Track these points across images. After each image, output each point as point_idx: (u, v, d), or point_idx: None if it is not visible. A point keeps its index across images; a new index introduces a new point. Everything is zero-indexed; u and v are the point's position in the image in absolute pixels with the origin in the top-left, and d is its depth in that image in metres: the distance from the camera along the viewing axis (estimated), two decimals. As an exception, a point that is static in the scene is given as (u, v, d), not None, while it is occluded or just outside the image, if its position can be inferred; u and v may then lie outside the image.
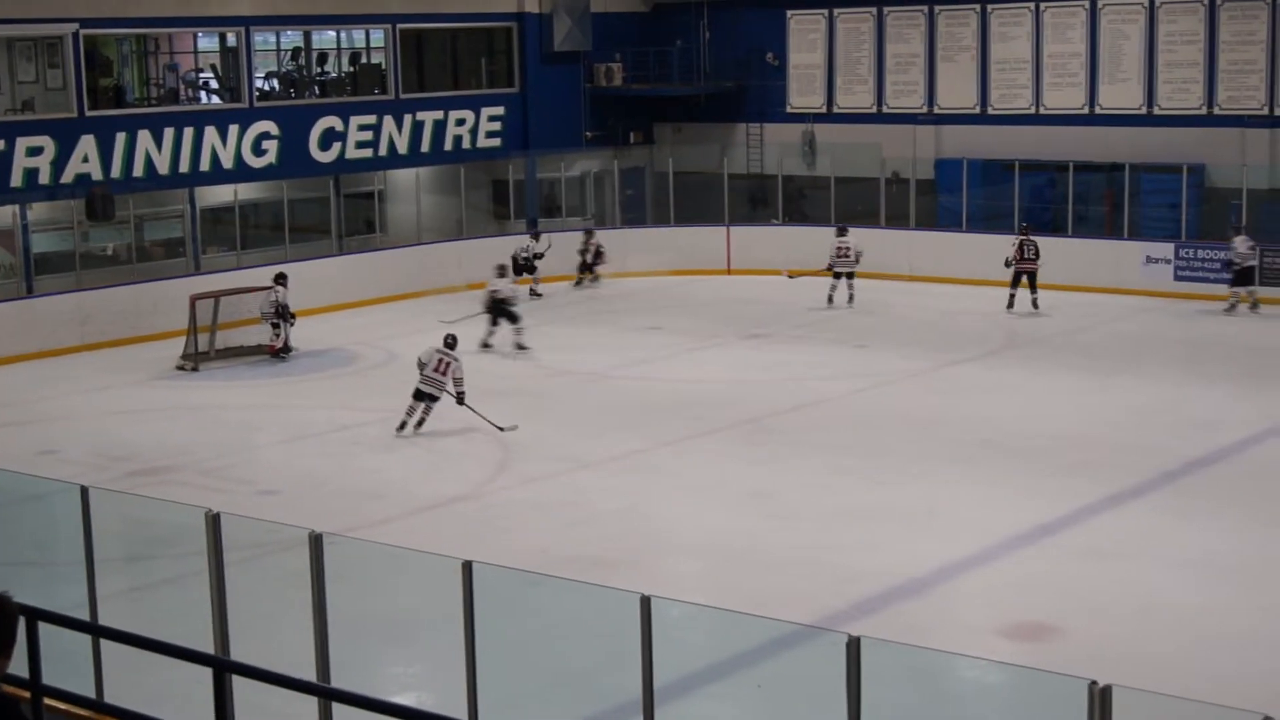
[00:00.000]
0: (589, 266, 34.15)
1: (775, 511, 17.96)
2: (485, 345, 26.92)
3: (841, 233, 31.39)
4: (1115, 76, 34.05)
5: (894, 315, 29.97)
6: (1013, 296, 30.05)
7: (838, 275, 31.05)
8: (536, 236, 33.61)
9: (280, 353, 26.79)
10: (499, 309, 27.11)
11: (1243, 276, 29.34)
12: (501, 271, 27.80)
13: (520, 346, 26.85)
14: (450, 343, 22.07)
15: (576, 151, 38.09)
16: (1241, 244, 29.36)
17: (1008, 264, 29.82)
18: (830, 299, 30.97)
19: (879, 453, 20.31)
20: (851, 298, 30.88)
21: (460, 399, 21.71)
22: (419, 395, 21.70)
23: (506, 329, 27.01)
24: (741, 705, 12.46)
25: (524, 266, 32.58)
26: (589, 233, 34.71)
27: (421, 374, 21.77)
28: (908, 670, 10.52)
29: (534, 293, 32.36)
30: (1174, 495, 18.34)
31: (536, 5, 37.06)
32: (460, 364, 21.86)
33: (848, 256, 31.02)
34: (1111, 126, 33.88)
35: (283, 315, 26.76)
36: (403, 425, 21.73)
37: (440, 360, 21.76)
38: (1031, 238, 30.35)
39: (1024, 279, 30.10)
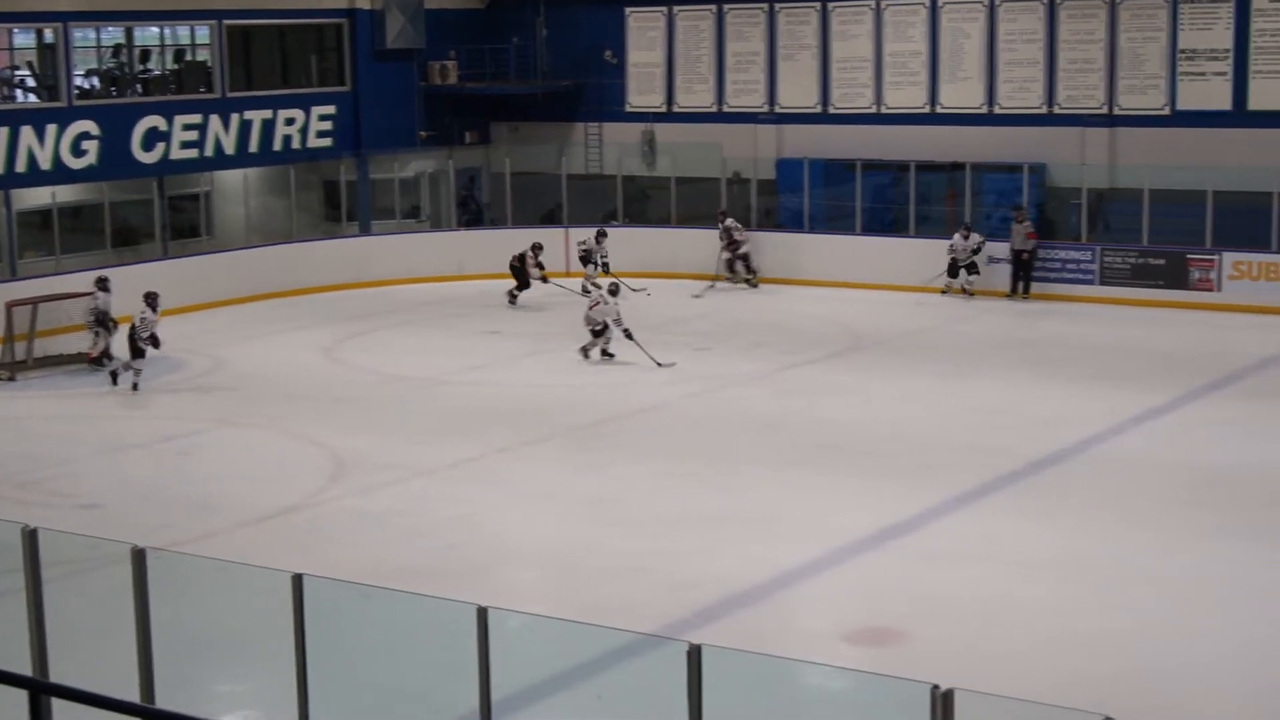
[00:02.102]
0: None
1: (615, 518, 17.99)
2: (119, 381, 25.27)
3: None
4: (956, 75, 34.55)
5: (735, 317, 30.13)
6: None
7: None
8: (603, 235, 33.46)
9: (99, 360, 26.31)
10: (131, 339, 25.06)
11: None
12: (150, 301, 25.37)
13: (123, 381, 24.95)
14: (613, 290, 26.68)
15: (410, 151, 37.88)
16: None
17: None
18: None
19: (720, 457, 20.41)
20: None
21: (626, 334, 25.67)
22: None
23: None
24: (582, 716, 12.47)
25: (586, 259, 33.29)
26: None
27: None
28: (750, 678, 10.59)
29: (584, 289, 32.63)
30: (1017, 495, 18.64)
31: (368, 2, 36.79)
32: (612, 305, 25.91)
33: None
34: (953, 126, 34.35)
35: (103, 322, 26.28)
36: (583, 351, 26.12)
37: (594, 301, 26.45)
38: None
39: (739, 265, 33.31)
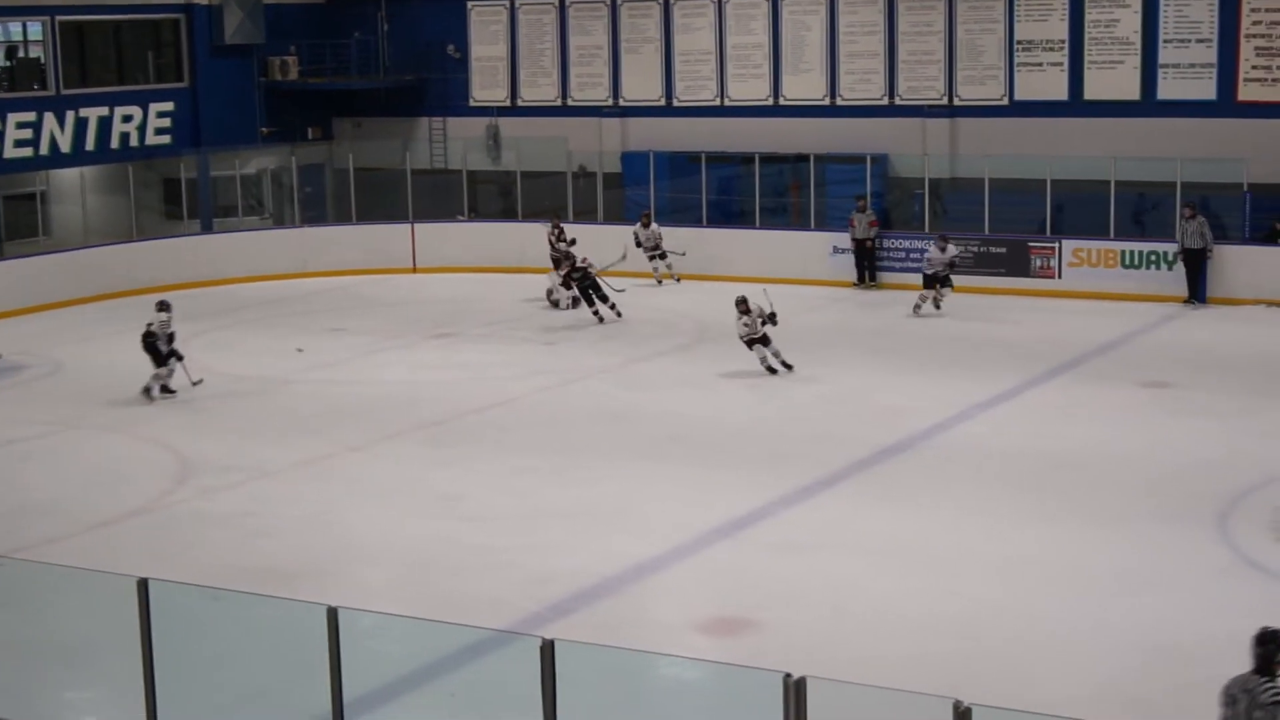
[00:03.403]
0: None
1: (466, 514, 17.95)
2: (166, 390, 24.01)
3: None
4: (798, 68, 34.87)
5: (583, 312, 30.12)
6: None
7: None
8: (647, 224, 32.68)
9: None
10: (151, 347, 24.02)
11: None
12: (162, 307, 24.24)
13: (166, 390, 23.91)
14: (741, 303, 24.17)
15: (252, 148, 37.50)
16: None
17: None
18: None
19: (570, 451, 20.43)
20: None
21: (772, 320, 24.30)
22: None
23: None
24: (436, 714, 12.44)
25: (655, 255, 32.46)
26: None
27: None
28: (604, 671, 10.62)
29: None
30: (865, 483, 18.83)
31: (205, -4, 36.46)
32: (743, 319, 24.10)
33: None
34: (796, 118, 34.67)
35: None
36: (767, 368, 24.19)
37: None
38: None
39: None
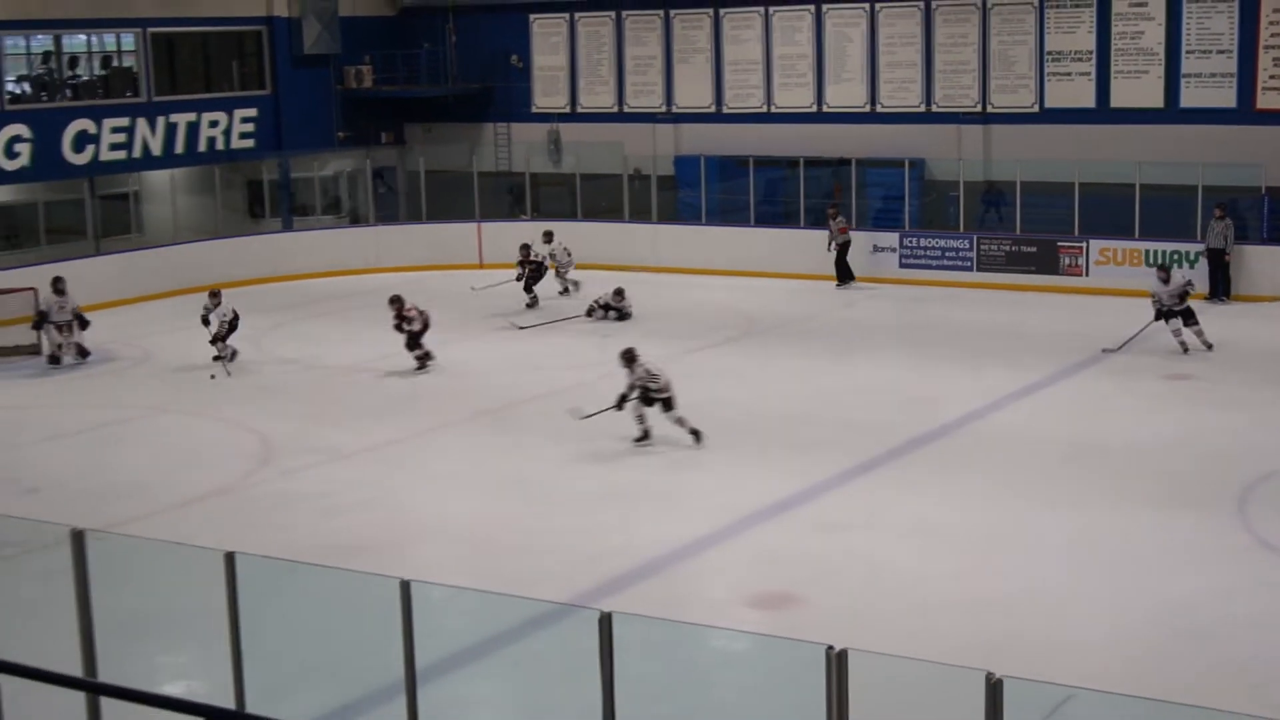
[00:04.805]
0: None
1: (527, 496, 18.01)
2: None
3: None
4: (840, 77, 34.77)
5: (638, 305, 30.11)
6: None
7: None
8: (549, 239, 31.06)
9: (54, 358, 25.78)
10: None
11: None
12: (214, 299, 25.18)
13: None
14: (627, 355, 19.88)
15: (329, 152, 37.71)
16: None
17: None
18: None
19: (622, 437, 20.42)
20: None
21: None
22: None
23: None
24: (501, 682, 12.50)
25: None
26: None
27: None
28: (658, 641, 10.66)
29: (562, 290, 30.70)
30: (901, 469, 18.79)
31: (286, 9, 36.57)
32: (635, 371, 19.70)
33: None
34: (838, 124, 34.58)
35: (39, 322, 25.79)
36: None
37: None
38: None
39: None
